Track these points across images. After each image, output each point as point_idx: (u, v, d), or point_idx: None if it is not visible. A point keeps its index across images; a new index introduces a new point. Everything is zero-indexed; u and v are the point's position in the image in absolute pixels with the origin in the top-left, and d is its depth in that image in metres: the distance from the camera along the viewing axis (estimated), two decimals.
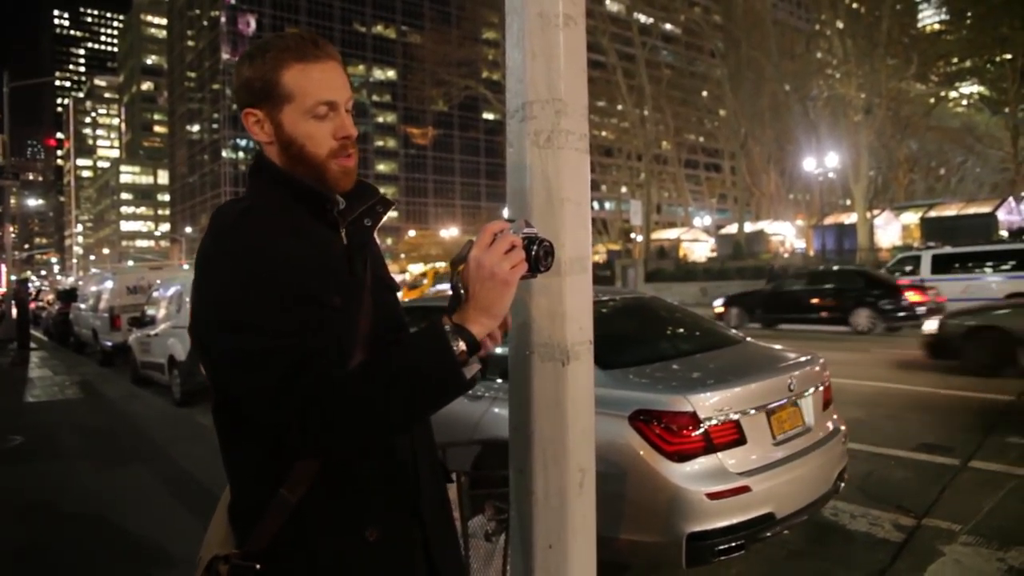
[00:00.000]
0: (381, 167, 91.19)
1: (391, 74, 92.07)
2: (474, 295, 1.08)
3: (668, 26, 55.73)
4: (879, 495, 4.35)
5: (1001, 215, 28.62)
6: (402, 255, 67.14)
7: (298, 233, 1.12)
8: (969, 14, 31.50)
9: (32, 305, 25.88)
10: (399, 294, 1.42)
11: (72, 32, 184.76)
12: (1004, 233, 25.91)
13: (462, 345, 1.05)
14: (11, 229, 26.62)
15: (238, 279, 1.05)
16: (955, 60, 35.14)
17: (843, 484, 3.47)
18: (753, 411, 3.03)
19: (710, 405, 2.89)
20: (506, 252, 1.07)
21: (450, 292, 1.15)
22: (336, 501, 1.10)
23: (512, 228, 1.11)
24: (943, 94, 36.68)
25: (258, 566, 1.09)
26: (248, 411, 1.08)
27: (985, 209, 29.31)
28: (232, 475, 1.18)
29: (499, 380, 3.40)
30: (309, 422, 0.99)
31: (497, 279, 1.06)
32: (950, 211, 30.80)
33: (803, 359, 3.54)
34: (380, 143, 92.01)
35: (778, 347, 4.06)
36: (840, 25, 31.07)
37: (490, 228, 1.11)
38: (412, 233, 78.75)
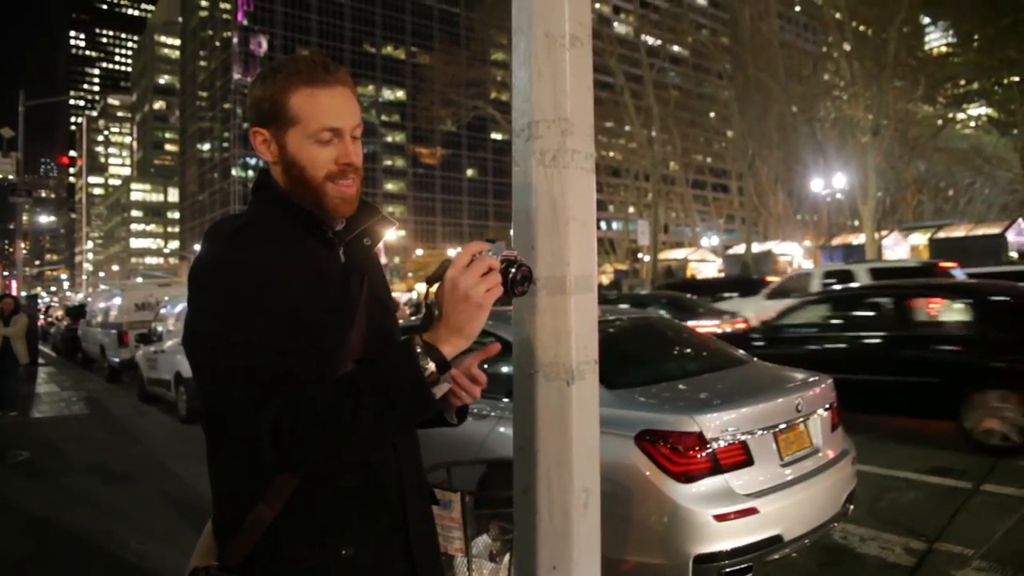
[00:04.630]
0: (389, 186, 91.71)
1: (400, 94, 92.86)
2: (447, 315, 1.08)
3: (676, 48, 56.09)
4: (889, 518, 4.30)
5: (1010, 236, 28.50)
6: (409, 274, 67.35)
7: (291, 252, 1.13)
8: (976, 37, 31.57)
9: (41, 321, 26.04)
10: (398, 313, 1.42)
11: (87, 52, 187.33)
12: (1014, 254, 25.78)
13: (431, 365, 1.05)
14: (23, 245, 26.85)
15: (225, 293, 1.08)
16: (962, 82, 35.18)
17: (852, 506, 3.43)
18: (760, 432, 3.00)
19: (717, 425, 2.87)
20: (483, 275, 1.07)
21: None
22: (312, 517, 1.12)
23: (492, 250, 1.11)
24: (951, 116, 36.67)
25: None
26: (229, 425, 1.10)
27: (994, 230, 29.19)
28: (215, 487, 1.20)
29: (505, 399, 3.39)
30: (280, 436, 1.00)
31: (471, 302, 1.06)
32: (959, 232, 30.68)
33: (811, 379, 3.52)
34: (388, 162, 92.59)
35: (785, 368, 4.04)
36: (847, 47, 31.20)
37: (469, 249, 1.11)
38: (420, 252, 79.00)
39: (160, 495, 5.36)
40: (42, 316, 29.38)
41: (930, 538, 3.93)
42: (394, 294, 1.50)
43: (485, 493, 2.50)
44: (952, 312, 6.57)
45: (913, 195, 41.82)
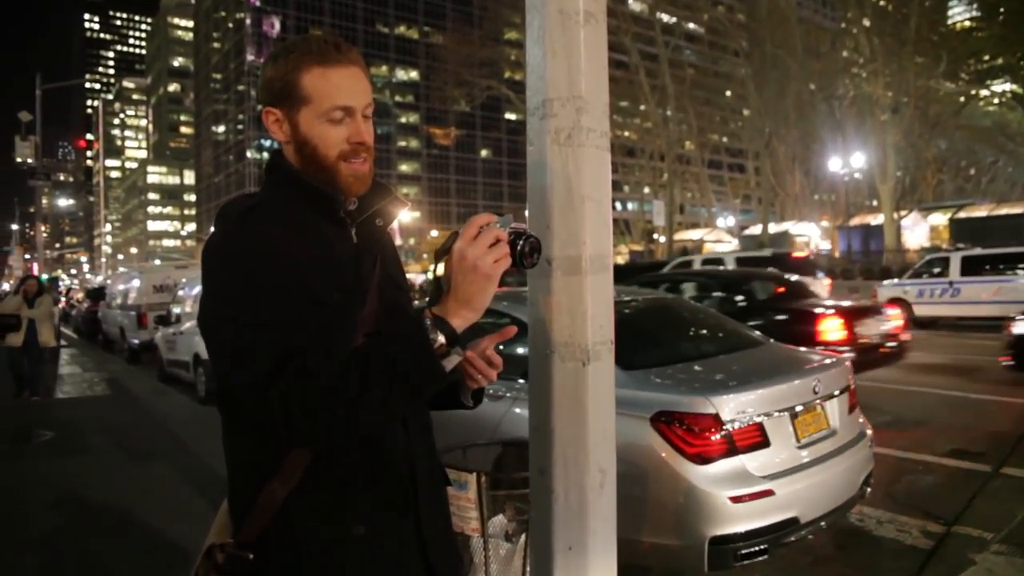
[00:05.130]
0: (403, 167, 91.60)
1: (414, 75, 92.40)
2: (456, 287, 1.07)
3: (691, 25, 55.35)
4: (907, 501, 4.27)
5: None
6: (424, 255, 67.49)
7: (302, 231, 1.14)
8: (1001, 10, 30.84)
9: (62, 303, 26.40)
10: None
11: (102, 35, 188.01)
12: None
13: (441, 338, 1.05)
14: (43, 228, 27.17)
15: (235, 274, 1.08)
16: (986, 57, 34.42)
17: (869, 489, 3.41)
18: (777, 413, 2.98)
19: (733, 407, 2.86)
20: (491, 246, 1.07)
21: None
22: (324, 495, 1.13)
23: (500, 222, 1.10)
24: (974, 92, 35.97)
25: (251, 556, 1.13)
26: (241, 402, 1.11)
27: (1017, 210, 28.66)
28: (229, 465, 1.21)
29: (520, 380, 3.39)
30: (291, 410, 1.01)
31: (479, 272, 1.05)
32: (980, 212, 30.20)
33: (828, 361, 3.49)
34: (403, 143, 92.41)
35: (803, 349, 4.01)
36: (867, 23, 30.64)
37: (476, 221, 1.10)
38: (434, 233, 79.04)
39: (180, 473, 5.44)
40: (63, 299, 29.82)
41: (948, 521, 3.90)
42: (409, 275, 1.49)
43: (501, 474, 2.51)
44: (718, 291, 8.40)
45: (933, 174, 41.18)
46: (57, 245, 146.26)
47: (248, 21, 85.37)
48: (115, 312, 16.30)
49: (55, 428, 7.34)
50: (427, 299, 1.16)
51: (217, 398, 1.19)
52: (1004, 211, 29.18)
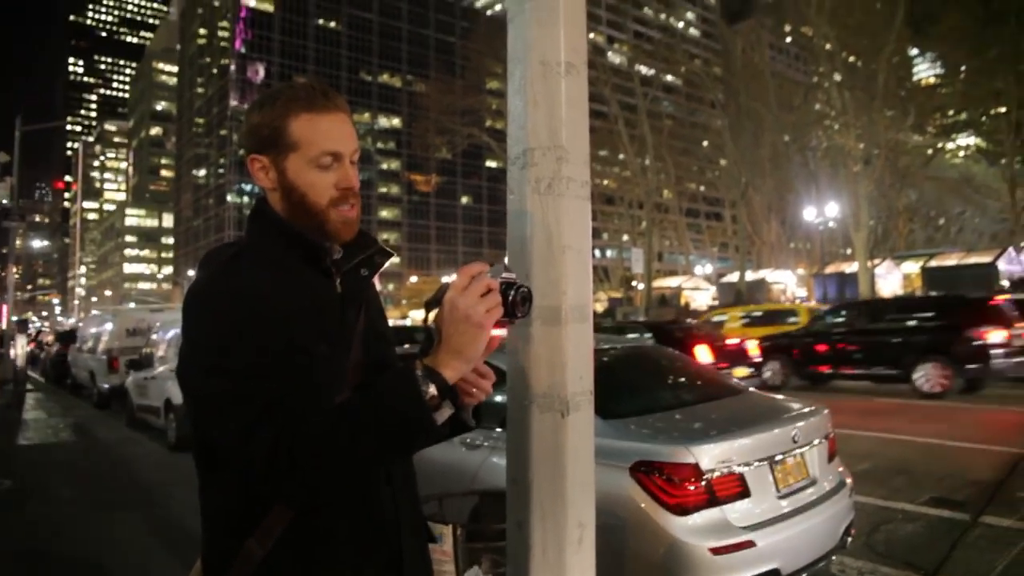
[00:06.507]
0: (384, 213, 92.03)
1: (396, 122, 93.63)
2: (447, 338, 1.06)
3: (669, 77, 56.82)
4: (887, 551, 4.24)
5: (1002, 265, 28.66)
6: (404, 301, 67.29)
7: (287, 280, 1.12)
8: (963, 68, 32.14)
9: (31, 345, 25.81)
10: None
11: (86, 79, 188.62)
12: (1005, 283, 25.92)
13: (432, 389, 1.03)
14: (15, 270, 26.73)
15: (217, 322, 1.06)
16: (951, 112, 35.74)
17: (850, 539, 3.38)
18: (757, 463, 2.96)
19: (713, 456, 2.83)
20: (482, 296, 1.06)
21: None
22: (305, 553, 1.08)
23: (490, 272, 1.09)
24: (940, 145, 37.16)
25: None
26: (220, 454, 1.08)
27: (986, 259, 29.38)
28: (205, 520, 1.16)
29: (498, 429, 3.34)
30: (276, 464, 0.98)
31: (471, 322, 1.04)
32: (951, 260, 30.87)
33: (807, 410, 3.49)
34: (384, 189, 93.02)
35: (781, 397, 4.01)
36: (837, 78, 31.67)
37: (467, 271, 1.09)
38: (414, 279, 78.97)
39: (148, 526, 5.26)
40: (32, 341, 29.15)
41: (929, 571, 3.87)
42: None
43: (478, 526, 2.45)
44: None
45: (904, 223, 42.21)
46: (29, 287, 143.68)
47: (233, 67, 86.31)
48: (85, 356, 15.97)
49: (14, 477, 7.09)
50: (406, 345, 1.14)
51: (194, 450, 1.16)
52: (973, 260, 29.87)
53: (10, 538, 5.03)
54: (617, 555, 2.76)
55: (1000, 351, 9.22)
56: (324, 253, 1.17)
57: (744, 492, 2.89)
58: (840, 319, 12.57)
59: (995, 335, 9.46)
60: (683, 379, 4.17)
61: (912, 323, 11.04)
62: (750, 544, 2.76)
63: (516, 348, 1.50)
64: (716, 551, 2.70)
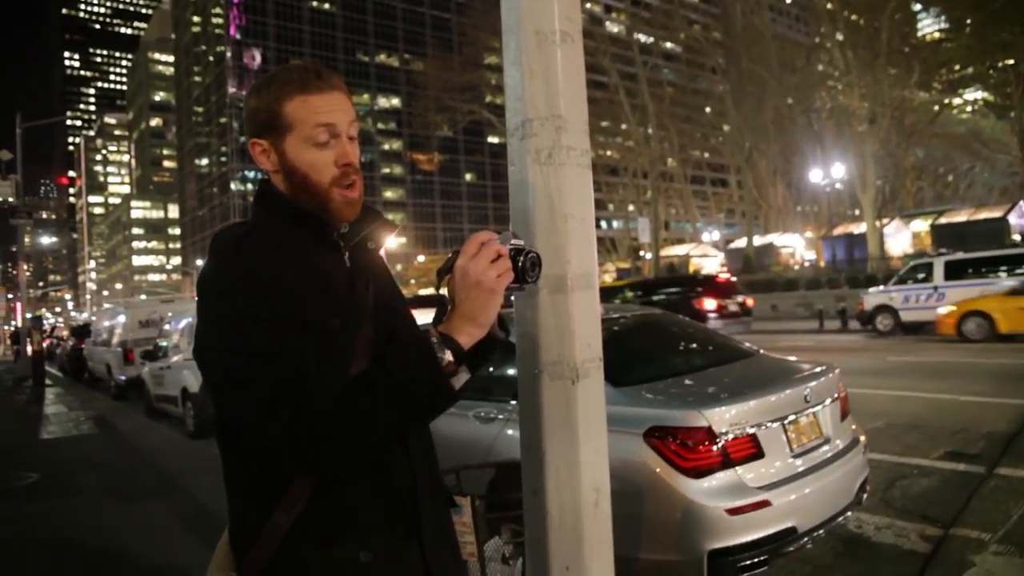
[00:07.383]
0: (388, 194, 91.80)
1: (395, 102, 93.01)
2: (460, 304, 1.08)
3: (669, 44, 56.12)
4: (903, 506, 4.27)
5: (1012, 219, 28.42)
6: (412, 280, 67.35)
7: (296, 257, 1.13)
8: (968, 21, 31.52)
9: (46, 341, 26.10)
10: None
11: (82, 72, 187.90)
12: (1017, 237, 25.72)
13: (448, 355, 1.05)
14: (25, 267, 26.90)
15: (231, 302, 1.07)
16: (957, 67, 35.12)
17: (866, 495, 3.41)
18: (770, 424, 2.98)
19: (726, 419, 2.85)
20: (492, 261, 1.07)
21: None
22: (329, 523, 1.10)
23: (499, 239, 1.11)
24: (947, 101, 36.65)
25: None
26: (243, 432, 1.10)
27: (996, 214, 29.11)
28: (230, 497, 1.19)
29: (512, 401, 3.37)
30: (297, 438, 1.00)
31: (483, 287, 1.06)
32: (960, 217, 30.62)
33: (818, 369, 3.50)
34: (387, 170, 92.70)
35: (792, 358, 4.02)
36: (840, 37, 31.20)
37: (476, 238, 1.11)
38: (421, 258, 78.99)
39: (172, 511, 5.35)
40: (48, 336, 29.45)
41: (945, 524, 3.90)
42: None
43: (496, 496, 2.49)
44: None
45: (913, 182, 41.75)
46: (40, 283, 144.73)
47: (229, 54, 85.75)
48: (101, 349, 16.14)
49: (40, 469, 7.21)
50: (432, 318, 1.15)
51: (216, 428, 1.18)
52: (983, 215, 29.61)
53: (37, 529, 5.14)
54: (634, 520, 2.80)
55: (714, 314, 14.19)
56: (331, 228, 1.18)
57: (758, 453, 2.91)
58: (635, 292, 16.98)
59: (709, 303, 14.51)
60: (694, 344, 4.18)
61: (667, 294, 15.81)
62: (766, 504, 2.79)
63: (524, 317, 1.51)
64: (732, 511, 2.73)
